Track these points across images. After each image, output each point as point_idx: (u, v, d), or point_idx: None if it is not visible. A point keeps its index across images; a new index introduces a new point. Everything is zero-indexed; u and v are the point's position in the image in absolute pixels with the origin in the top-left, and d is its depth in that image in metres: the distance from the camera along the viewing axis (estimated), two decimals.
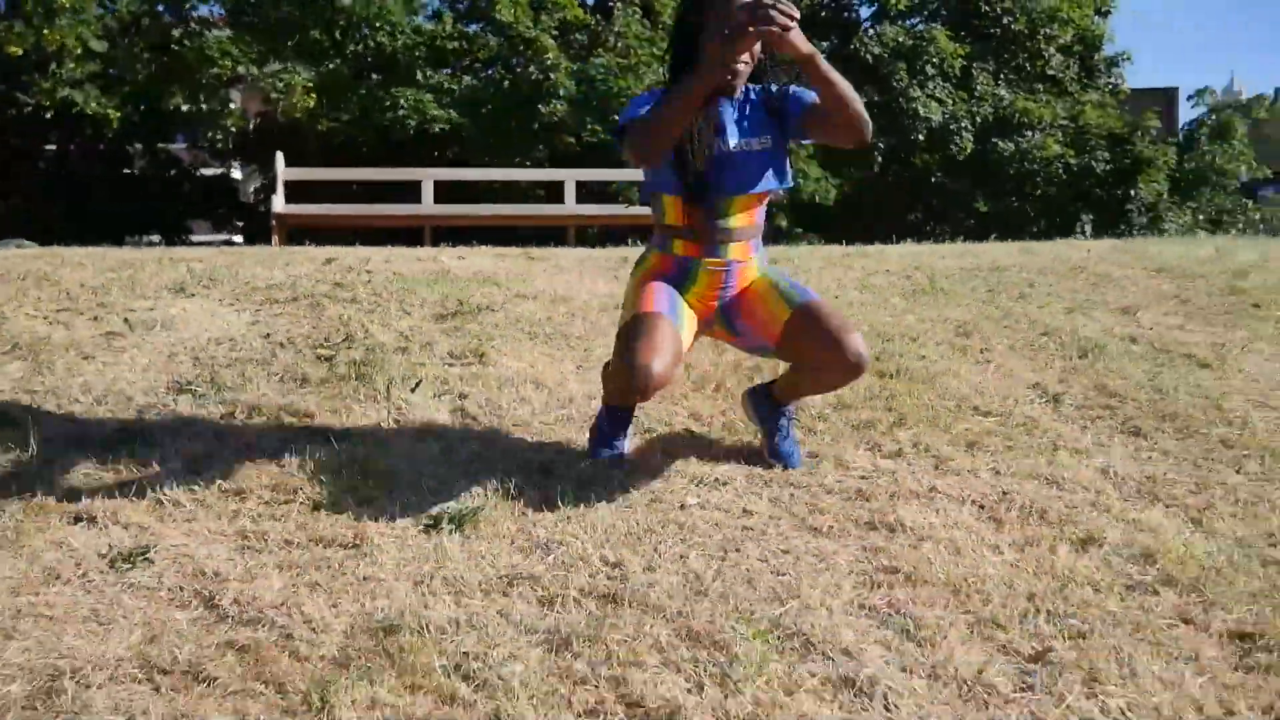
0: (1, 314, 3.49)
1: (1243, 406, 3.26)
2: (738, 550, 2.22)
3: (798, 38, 2.06)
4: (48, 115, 12.18)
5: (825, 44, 17.17)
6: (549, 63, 12.60)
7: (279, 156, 10.02)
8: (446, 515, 2.28)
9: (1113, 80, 20.65)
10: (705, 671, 1.78)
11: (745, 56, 2.25)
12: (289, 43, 12.31)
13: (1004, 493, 2.59)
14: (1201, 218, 17.69)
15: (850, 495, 2.52)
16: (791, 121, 2.37)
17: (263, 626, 1.87)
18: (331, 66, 13.22)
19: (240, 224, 18.36)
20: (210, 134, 14.45)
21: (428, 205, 9.91)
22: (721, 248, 2.42)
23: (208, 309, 3.70)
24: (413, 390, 2.98)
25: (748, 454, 2.70)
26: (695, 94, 2.15)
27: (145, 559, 2.08)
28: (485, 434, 2.77)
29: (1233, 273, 5.09)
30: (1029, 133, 17.74)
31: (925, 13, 19.64)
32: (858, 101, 2.23)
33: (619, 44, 13.18)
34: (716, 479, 2.54)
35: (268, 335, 3.41)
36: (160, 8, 13.22)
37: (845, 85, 2.21)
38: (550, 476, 2.52)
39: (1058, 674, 1.86)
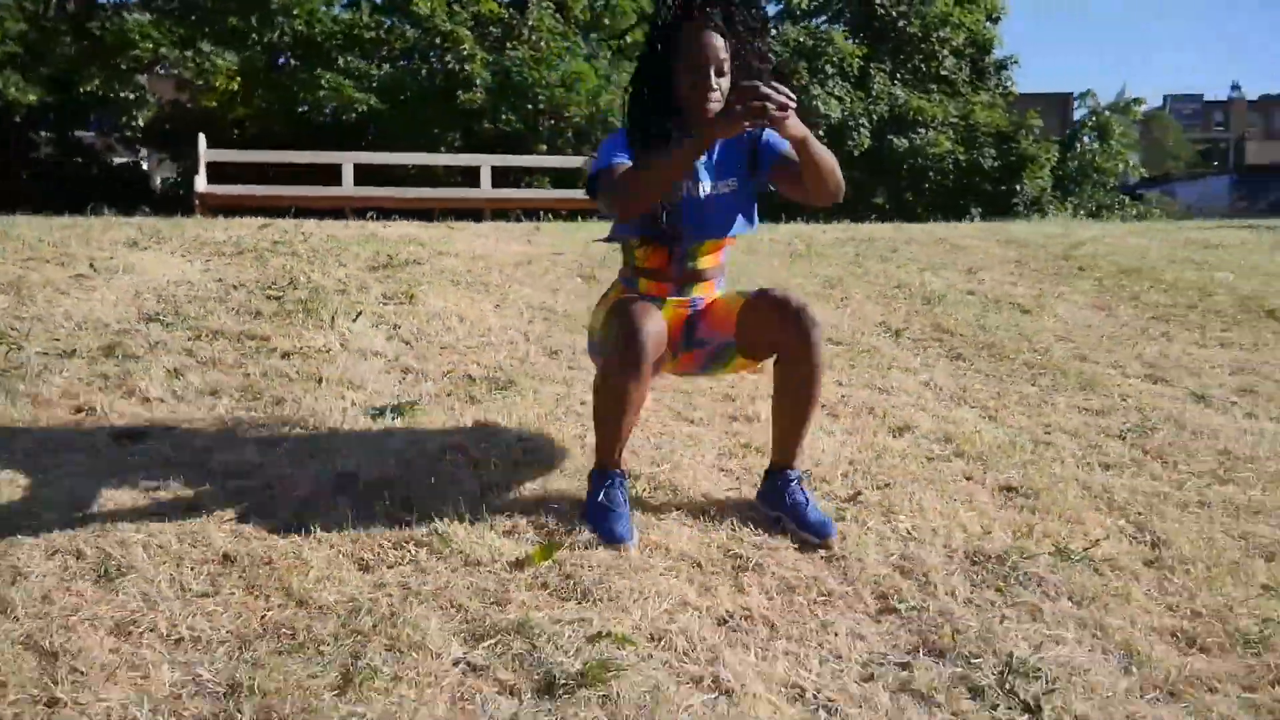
0: None
1: (1048, 340, 3.96)
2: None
3: (793, 122, 2.01)
4: None
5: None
6: (465, 53, 13.06)
7: (201, 137, 10.29)
8: (389, 408, 2.81)
9: (1002, 83, 21.85)
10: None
11: (716, 96, 2.19)
12: (208, 29, 12.52)
13: (843, 396, 3.22)
14: (1082, 212, 18.87)
15: (719, 397, 3.12)
16: (764, 171, 2.34)
17: (247, 479, 2.37)
18: (248, 54, 13.44)
19: (148, 211, 18.26)
20: (125, 119, 14.53)
21: (348, 187, 10.29)
22: (688, 288, 2.41)
23: (161, 259, 4.14)
24: (354, 320, 3.49)
25: None
26: (684, 163, 2.11)
27: (144, 437, 2.56)
28: (418, 354, 3.30)
29: (1069, 245, 5.86)
30: (922, 130, 18.74)
31: (828, 14, 20.56)
32: (837, 172, 2.20)
33: (532, 37, 13.70)
34: None
35: (220, 279, 3.88)
36: None
37: (829, 160, 2.17)
38: (474, 383, 3.07)
39: (864, 509, 2.47)
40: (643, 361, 2.15)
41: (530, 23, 13.78)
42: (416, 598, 1.90)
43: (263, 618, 1.81)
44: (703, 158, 2.26)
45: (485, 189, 10.48)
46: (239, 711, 1.55)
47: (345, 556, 2.05)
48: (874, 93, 19.24)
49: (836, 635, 1.92)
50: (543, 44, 13.51)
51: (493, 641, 1.78)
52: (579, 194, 9.02)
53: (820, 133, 18.12)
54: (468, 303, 3.84)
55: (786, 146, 2.23)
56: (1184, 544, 2.36)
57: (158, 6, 13.85)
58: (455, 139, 13.03)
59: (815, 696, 1.72)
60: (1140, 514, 2.53)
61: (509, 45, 13.66)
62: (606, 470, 2.30)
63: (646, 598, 1.96)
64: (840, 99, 18.25)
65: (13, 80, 11.74)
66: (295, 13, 13.39)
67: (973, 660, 1.85)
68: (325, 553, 2.04)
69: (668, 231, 2.29)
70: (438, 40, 13.55)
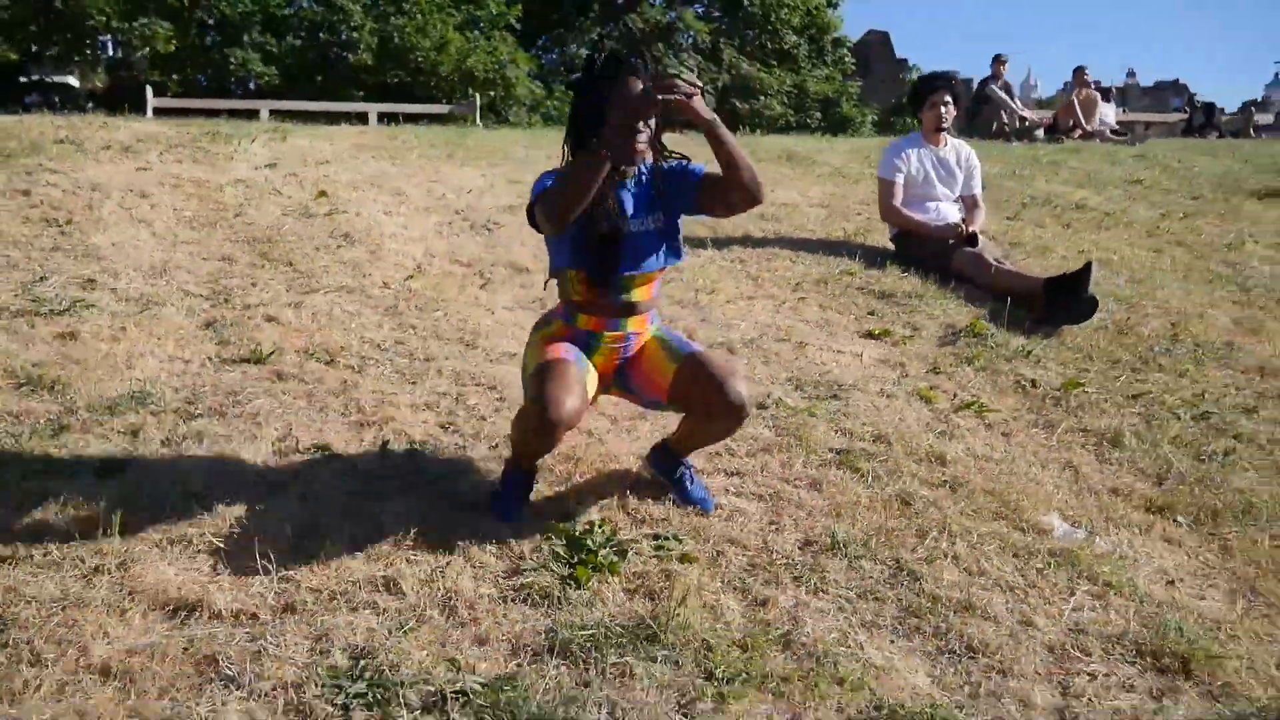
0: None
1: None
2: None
3: (700, 105, 2.15)
4: None
5: (601, 28, 21.49)
6: (355, 24, 16.41)
7: (148, 88, 13.47)
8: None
9: (839, 58, 25.63)
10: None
11: (643, 133, 2.34)
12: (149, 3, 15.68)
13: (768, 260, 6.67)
14: None
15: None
16: (688, 195, 2.46)
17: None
18: (182, 26, 16.62)
19: None
20: (81, 82, 17.61)
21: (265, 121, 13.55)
22: (622, 321, 2.53)
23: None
24: (251, 142, 6.86)
25: None
26: (602, 160, 2.20)
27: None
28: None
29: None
30: (762, 97, 22.41)
31: None
32: (752, 165, 2.33)
33: (414, 10, 17.10)
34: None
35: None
36: None
37: (740, 150, 2.29)
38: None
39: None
40: (556, 439, 2.41)
41: None
42: None
43: None
44: (629, 194, 2.45)
45: (373, 125, 13.79)
46: None
47: None
48: (723, 64, 22.87)
49: None
50: (419, 14, 16.87)
51: None
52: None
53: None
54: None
55: (702, 169, 2.44)
56: None
57: None
58: (353, 93, 16.33)
59: None
60: None
61: (392, 15, 17.01)
62: (518, 467, 2.66)
63: None
64: (690, 69, 21.81)
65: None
66: None
67: None
68: None
69: (600, 264, 2.45)
70: (335, 17, 16.86)
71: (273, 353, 3.54)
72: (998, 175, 7.95)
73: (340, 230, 5.00)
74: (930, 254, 5.24)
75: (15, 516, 2.50)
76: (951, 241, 5.18)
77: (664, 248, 2.54)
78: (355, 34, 16.49)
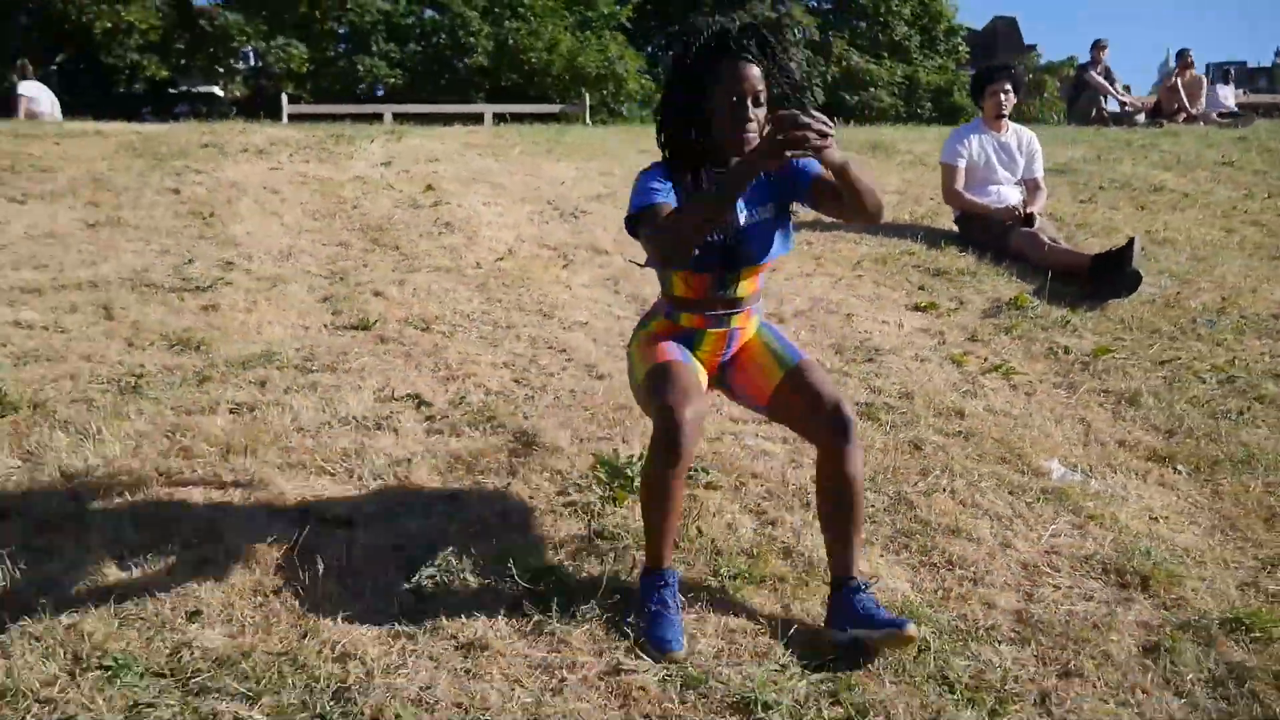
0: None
1: None
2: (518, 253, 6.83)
3: (831, 150, 1.98)
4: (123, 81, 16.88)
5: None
6: (473, 29, 17.27)
7: (284, 95, 14.54)
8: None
9: (952, 48, 25.43)
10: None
11: (754, 126, 2.18)
12: (285, 15, 16.88)
13: None
14: None
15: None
16: (801, 192, 2.32)
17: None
18: (318, 43, 17.81)
19: None
20: (223, 87, 19.03)
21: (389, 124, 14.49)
22: (727, 318, 2.40)
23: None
24: (370, 142, 7.57)
25: None
26: (727, 202, 2.08)
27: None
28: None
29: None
30: (871, 89, 22.47)
31: None
32: (877, 191, 2.18)
33: (528, 14, 17.87)
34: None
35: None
36: None
37: (869, 181, 2.14)
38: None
39: None
40: (684, 459, 2.18)
41: (526, 1, 18.01)
42: None
43: None
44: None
45: (488, 125, 14.57)
46: None
47: None
48: (832, 57, 23.01)
49: None
50: (532, 18, 17.63)
51: None
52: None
53: (776, 90, 21.79)
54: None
55: (818, 167, 2.23)
56: None
57: (245, 5, 18.25)
58: (469, 96, 17.21)
59: None
60: None
61: (507, 20, 17.83)
62: (658, 570, 2.31)
63: None
64: (797, 63, 22.03)
65: (153, 62, 16.32)
66: (349, 6, 17.67)
67: None
68: None
69: (711, 260, 2.29)
70: (454, 23, 17.76)
71: (377, 321, 4.13)
72: (1082, 159, 8.09)
73: (442, 219, 5.59)
74: (990, 234, 5.54)
75: (170, 445, 3.12)
76: (1009, 222, 5.46)
77: (775, 238, 2.38)
78: (472, 39, 17.39)
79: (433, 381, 3.65)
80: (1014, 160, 5.78)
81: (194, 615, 2.40)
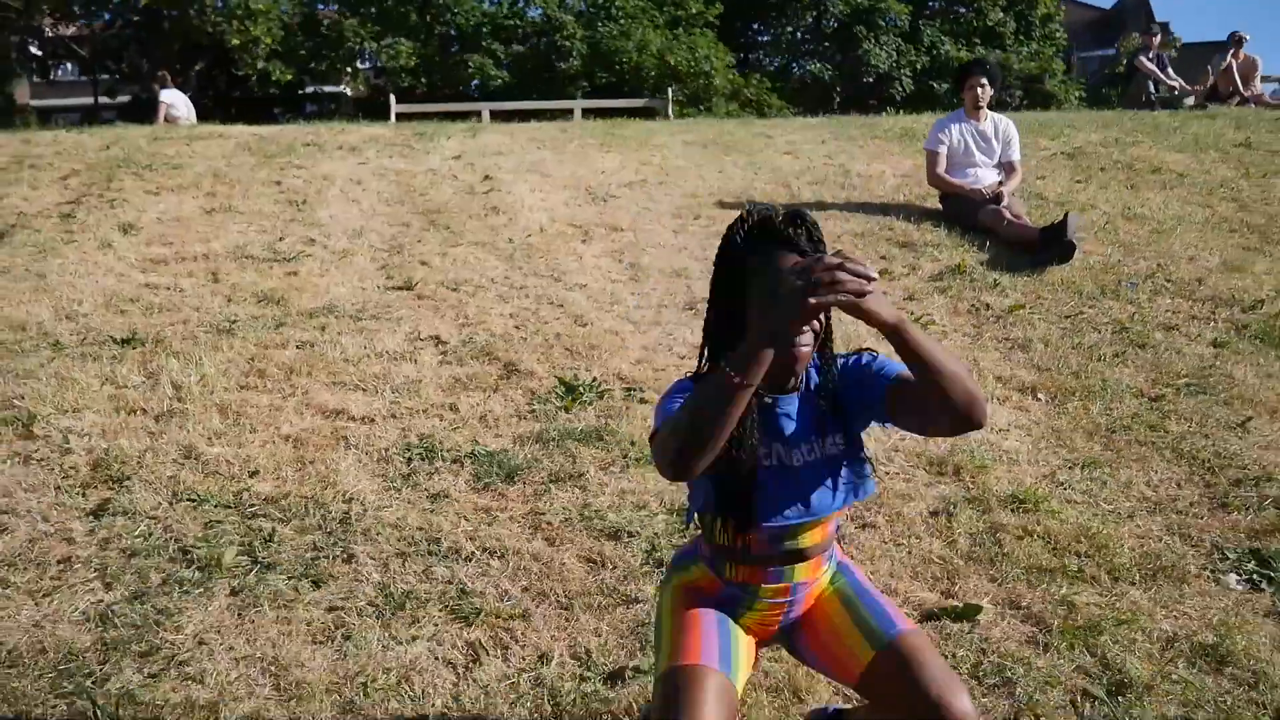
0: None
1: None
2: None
3: (877, 302, 1.48)
4: (254, 87, 18.75)
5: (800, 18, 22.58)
6: (568, 33, 18.46)
7: (392, 96, 15.95)
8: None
9: (1048, 33, 25.41)
10: None
11: (806, 335, 1.69)
12: (394, 17, 18.42)
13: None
14: None
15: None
16: (874, 406, 1.76)
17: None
18: (425, 44, 19.28)
19: None
20: (347, 86, 20.74)
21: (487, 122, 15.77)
22: (787, 571, 1.83)
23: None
24: (447, 139, 8.72)
25: None
26: (738, 387, 1.51)
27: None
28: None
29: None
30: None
31: None
32: (964, 374, 1.58)
33: (619, 15, 18.96)
34: None
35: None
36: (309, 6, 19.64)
37: (943, 355, 1.57)
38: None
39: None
40: None
41: (618, 3, 19.08)
42: None
43: None
44: (789, 410, 1.76)
45: (577, 118, 15.71)
46: None
47: None
48: (923, 45, 23.40)
49: None
50: (623, 19, 18.71)
51: None
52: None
53: (869, 79, 22.49)
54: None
55: (898, 367, 1.70)
56: None
57: (360, 11, 19.86)
58: (567, 94, 18.43)
59: None
60: None
61: (600, 23, 18.96)
62: None
63: None
64: (890, 53, 22.56)
65: (278, 68, 18.10)
66: (455, 9, 19.09)
67: None
68: None
69: (743, 509, 1.72)
70: (549, 25, 18.99)
71: (418, 283, 5.21)
72: (1099, 143, 8.67)
73: (491, 204, 6.66)
74: (963, 212, 6.30)
75: (249, 368, 4.24)
76: (980, 201, 6.22)
77: (842, 482, 1.80)
78: (568, 42, 18.61)
79: (452, 327, 4.71)
80: (991, 146, 6.51)
81: (253, 473, 3.49)
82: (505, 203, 6.70)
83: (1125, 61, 11.61)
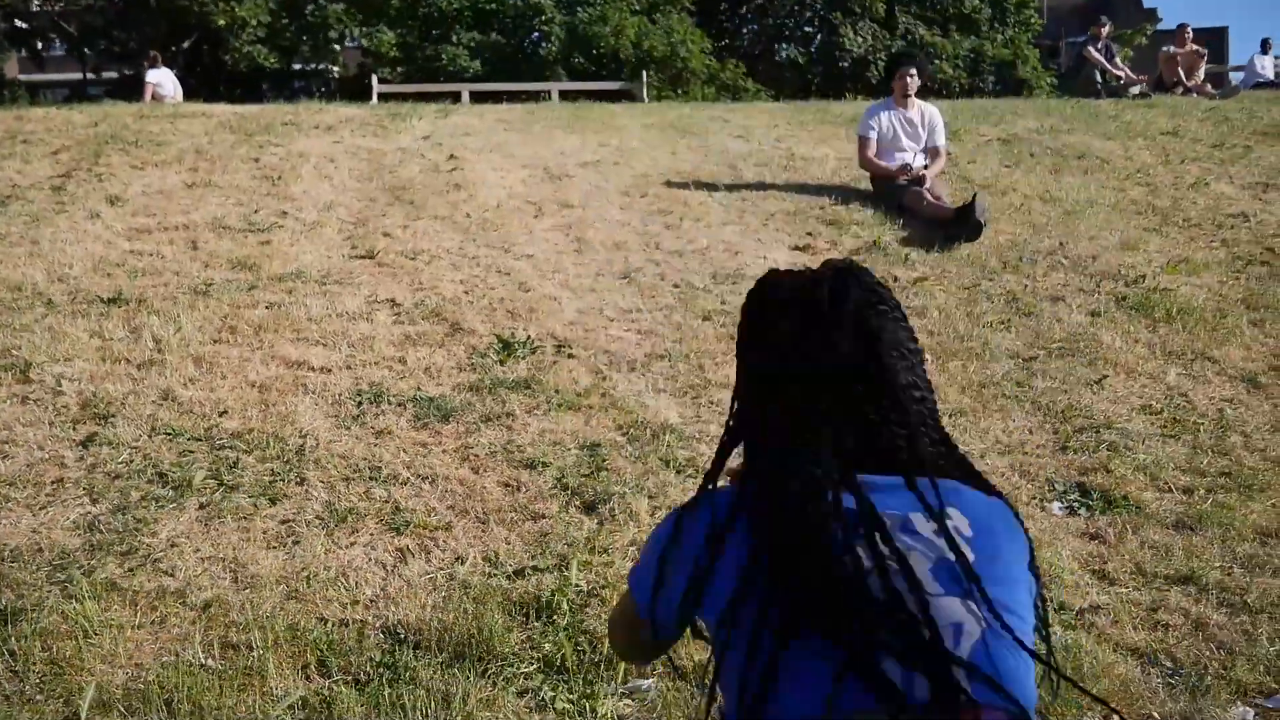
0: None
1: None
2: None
3: None
4: (241, 67, 19.22)
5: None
6: (546, 18, 18.90)
7: (374, 77, 16.39)
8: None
9: (1024, 20, 25.84)
10: None
11: None
12: (377, 2, 18.86)
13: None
14: None
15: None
16: None
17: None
18: (408, 31, 19.71)
19: None
20: (329, 71, 21.15)
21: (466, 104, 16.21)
22: None
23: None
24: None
25: None
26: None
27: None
28: None
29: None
30: (936, 61, 23.20)
31: None
32: None
33: (597, 1, 19.41)
34: None
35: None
36: None
37: None
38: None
39: None
40: None
41: None
42: None
43: None
44: None
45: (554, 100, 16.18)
46: None
47: None
48: (899, 30, 23.84)
49: None
50: (601, 3, 19.16)
51: None
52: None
53: (845, 64, 22.99)
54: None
55: None
56: None
57: None
58: (543, 79, 18.88)
59: None
60: None
61: (579, 8, 19.41)
62: None
63: None
64: (865, 38, 23.00)
65: (263, 53, 18.52)
66: None
67: None
68: None
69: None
70: (528, 8, 19.43)
71: (380, 252, 5.72)
72: (1036, 130, 9.19)
73: (453, 181, 7.16)
74: (890, 193, 6.84)
75: (222, 325, 4.76)
76: (903, 182, 6.75)
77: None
78: (547, 26, 19.05)
79: (407, 291, 5.22)
80: (918, 132, 7.04)
81: (223, 413, 4.02)
82: (467, 180, 7.19)
83: (1074, 52, 12.09)
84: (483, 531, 3.36)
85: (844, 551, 1.12)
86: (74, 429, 3.85)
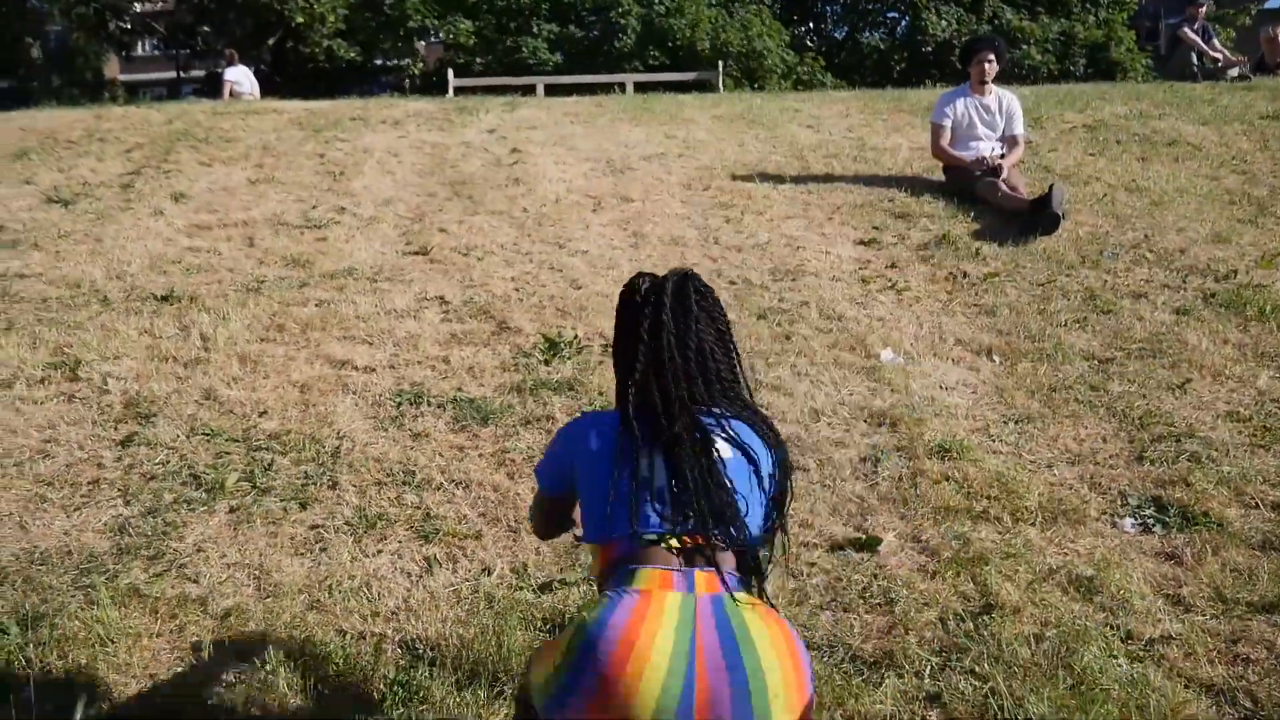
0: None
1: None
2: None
3: None
4: (321, 61, 19.50)
5: None
6: (622, 10, 18.74)
7: (450, 70, 16.43)
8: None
9: (1118, 1, 24.83)
10: None
11: None
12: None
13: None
14: None
15: None
16: None
17: None
18: (485, 24, 19.75)
19: None
20: (407, 67, 21.34)
21: (540, 96, 16.16)
22: None
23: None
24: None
25: None
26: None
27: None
28: None
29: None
30: (1023, 46, 22.44)
31: None
32: None
33: None
34: None
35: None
36: None
37: None
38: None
39: None
40: None
41: None
42: None
43: None
44: None
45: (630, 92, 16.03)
46: None
47: None
48: (985, 14, 23.12)
49: None
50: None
51: None
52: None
53: (928, 50, 22.34)
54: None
55: None
56: None
57: None
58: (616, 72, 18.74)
59: None
60: None
61: (655, 1, 19.22)
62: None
63: None
64: (950, 21, 22.35)
65: (342, 46, 18.73)
66: None
67: None
68: None
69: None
70: (605, 2, 19.30)
71: (433, 248, 5.64)
72: (1124, 115, 8.74)
73: (514, 176, 7.07)
74: (963, 183, 6.54)
75: (270, 322, 4.72)
76: (979, 173, 6.44)
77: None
78: (623, 19, 18.90)
79: (457, 288, 5.13)
80: (995, 119, 6.72)
81: (262, 413, 3.97)
82: (528, 174, 7.09)
83: (1169, 34, 11.50)
84: (513, 541, 3.24)
85: (670, 440, 1.80)
86: (115, 429, 3.84)
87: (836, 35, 25.13)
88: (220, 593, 2.97)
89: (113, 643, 2.74)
